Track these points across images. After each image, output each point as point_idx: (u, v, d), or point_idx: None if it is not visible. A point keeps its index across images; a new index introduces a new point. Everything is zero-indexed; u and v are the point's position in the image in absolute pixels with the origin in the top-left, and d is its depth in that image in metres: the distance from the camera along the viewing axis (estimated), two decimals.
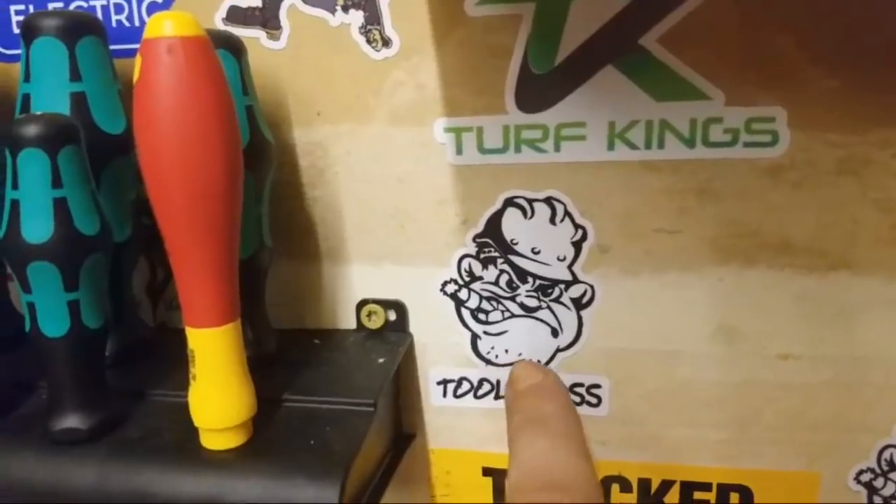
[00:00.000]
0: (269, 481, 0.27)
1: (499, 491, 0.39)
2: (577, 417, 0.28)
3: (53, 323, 0.28)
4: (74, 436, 0.29)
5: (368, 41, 0.34)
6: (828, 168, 0.32)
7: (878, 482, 0.35)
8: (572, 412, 0.28)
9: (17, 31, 0.38)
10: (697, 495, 0.37)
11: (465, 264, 0.36)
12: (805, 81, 0.31)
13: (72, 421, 0.29)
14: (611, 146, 0.33)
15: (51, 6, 0.37)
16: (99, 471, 0.28)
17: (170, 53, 0.25)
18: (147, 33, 0.25)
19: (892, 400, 0.34)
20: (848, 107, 0.31)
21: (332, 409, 0.31)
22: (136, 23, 0.36)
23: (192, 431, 0.29)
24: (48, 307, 0.28)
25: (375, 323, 0.38)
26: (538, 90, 0.33)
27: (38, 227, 0.27)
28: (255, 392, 0.29)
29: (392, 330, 0.38)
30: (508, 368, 0.37)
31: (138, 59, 0.25)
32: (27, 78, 0.32)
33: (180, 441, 0.29)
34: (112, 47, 0.34)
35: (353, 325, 0.38)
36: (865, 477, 0.35)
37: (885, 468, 0.35)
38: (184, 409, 0.29)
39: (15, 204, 0.27)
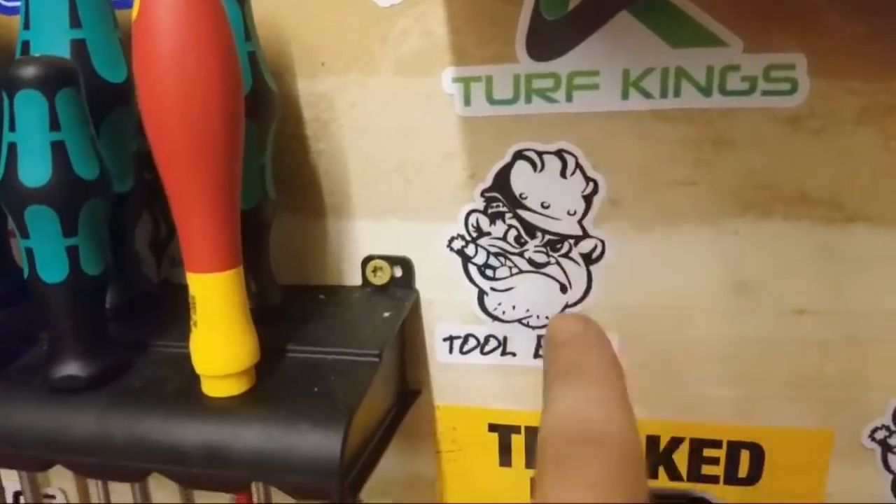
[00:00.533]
0: (271, 428, 0.27)
1: (504, 447, 0.38)
2: (619, 367, 0.25)
3: (52, 269, 0.27)
4: (74, 383, 0.28)
5: None
6: (848, 117, 0.31)
7: (893, 439, 0.34)
8: (614, 362, 0.25)
9: None
10: (707, 452, 0.36)
11: (472, 219, 0.36)
12: (827, 27, 0.30)
13: (71, 368, 0.28)
14: (625, 95, 0.32)
15: None
16: (99, 418, 0.28)
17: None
18: None
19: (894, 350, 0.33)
20: (871, 54, 0.30)
21: (337, 359, 0.31)
22: None
23: (194, 380, 0.28)
24: (46, 252, 0.27)
25: (381, 279, 0.37)
26: (550, 37, 0.32)
27: (35, 171, 0.26)
28: (259, 341, 0.28)
29: (398, 286, 0.37)
30: (515, 325, 0.37)
31: (135, 9, 0.25)
32: (27, 25, 0.31)
33: (182, 389, 0.29)
34: None
35: (358, 281, 0.38)
36: (880, 434, 0.34)
37: None
38: (186, 359, 0.28)
39: (12, 147, 0.26)
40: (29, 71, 0.26)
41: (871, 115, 0.31)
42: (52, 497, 0.47)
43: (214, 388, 0.28)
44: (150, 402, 0.28)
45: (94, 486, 0.43)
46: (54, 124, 0.26)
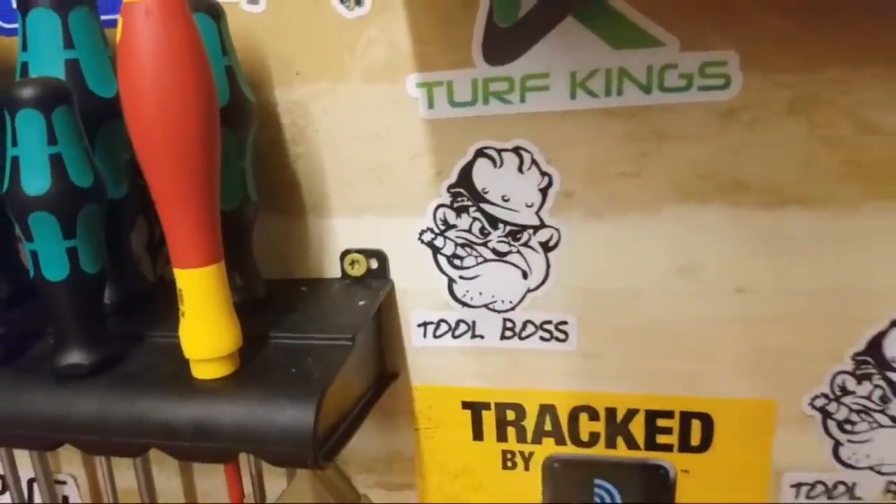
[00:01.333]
0: (253, 404, 0.30)
1: (476, 422, 0.41)
2: None
3: (54, 268, 0.30)
4: (77, 371, 0.32)
5: (342, 1, 0.36)
6: (779, 108, 0.34)
7: (832, 406, 0.37)
8: None
9: (14, 5, 0.40)
10: (661, 423, 0.39)
11: (440, 214, 0.39)
12: (756, 24, 0.33)
13: (75, 357, 0.32)
14: (573, 95, 0.35)
15: None
16: (100, 401, 0.31)
17: (147, 16, 0.27)
18: None
19: (843, 328, 0.36)
20: (797, 48, 0.33)
21: (314, 344, 0.34)
22: None
23: (185, 365, 0.31)
24: (49, 254, 0.30)
25: (358, 271, 0.40)
26: (503, 43, 0.35)
27: (36, 181, 0.29)
28: (242, 329, 0.31)
29: (374, 277, 0.40)
30: (483, 310, 0.40)
31: (120, 22, 0.27)
32: (24, 47, 0.34)
33: (174, 373, 0.32)
34: (102, 17, 0.36)
35: (337, 273, 0.41)
36: (819, 402, 0.37)
37: (838, 393, 0.37)
38: (178, 348, 0.31)
39: (15, 160, 0.30)
40: (27, 92, 0.29)
41: (800, 106, 0.33)
42: (63, 483, 0.50)
43: (202, 370, 0.31)
44: (146, 385, 0.31)
45: (100, 470, 0.47)
46: (52, 139, 0.29)
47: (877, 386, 0.37)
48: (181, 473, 0.48)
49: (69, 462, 0.49)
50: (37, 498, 0.50)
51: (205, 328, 0.30)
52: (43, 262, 0.30)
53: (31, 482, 0.51)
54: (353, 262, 0.40)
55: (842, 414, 0.37)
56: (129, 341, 0.35)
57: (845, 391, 0.37)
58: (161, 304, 0.39)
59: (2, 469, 0.46)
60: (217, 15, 0.34)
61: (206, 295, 0.30)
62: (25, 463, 0.46)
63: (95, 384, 0.32)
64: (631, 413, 0.39)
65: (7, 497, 0.51)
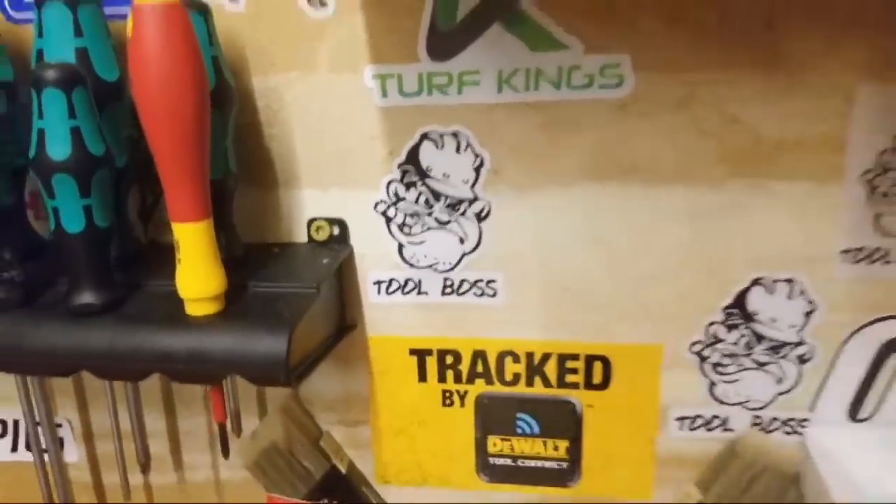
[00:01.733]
0: (237, 335, 0.37)
1: (421, 367, 0.49)
2: None
3: (72, 222, 0.37)
4: (90, 309, 0.38)
5: (309, 2, 0.43)
6: (666, 103, 0.42)
7: (707, 352, 0.46)
8: None
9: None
10: (569, 364, 0.47)
11: (391, 188, 0.46)
12: (646, 32, 0.41)
13: (88, 298, 0.38)
14: (499, 90, 0.43)
15: None
16: (111, 334, 0.38)
17: (153, 15, 0.34)
18: (137, 0, 0.34)
19: (715, 286, 0.44)
20: (678, 53, 0.41)
21: (285, 291, 0.41)
22: None
23: (179, 306, 0.38)
24: (68, 210, 0.37)
25: (322, 236, 0.47)
26: (444, 44, 0.42)
27: (59, 148, 0.36)
28: (226, 278, 0.39)
29: (336, 242, 0.47)
30: (427, 270, 0.47)
31: (130, 20, 0.34)
32: (40, 34, 0.41)
33: (170, 312, 0.39)
34: (106, 10, 0.43)
35: (304, 238, 0.48)
36: (696, 348, 0.46)
37: (712, 340, 0.45)
38: (173, 294, 0.38)
39: (41, 132, 0.36)
40: (52, 74, 0.36)
41: (684, 102, 0.42)
42: (59, 426, 0.56)
43: (194, 308, 0.38)
44: (148, 321, 0.38)
45: (95, 415, 0.53)
46: (72, 114, 0.36)
47: (742, 335, 0.45)
48: (165, 416, 0.54)
49: (63, 407, 0.55)
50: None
51: (197, 272, 0.37)
52: (63, 217, 0.37)
53: (36, 425, 0.57)
54: (318, 229, 0.47)
55: (715, 358, 0.46)
56: (131, 288, 0.41)
57: (717, 339, 0.46)
58: (153, 261, 0.45)
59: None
60: (205, 12, 0.41)
61: (198, 244, 0.37)
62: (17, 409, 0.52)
63: (105, 321, 0.38)
64: (545, 357, 0.47)
65: (8, 440, 0.57)
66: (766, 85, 0.41)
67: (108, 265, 0.39)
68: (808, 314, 0.44)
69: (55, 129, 0.36)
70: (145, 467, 0.53)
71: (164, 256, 0.43)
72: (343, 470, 0.51)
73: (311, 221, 0.47)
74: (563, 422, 0.49)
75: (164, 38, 0.34)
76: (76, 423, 0.56)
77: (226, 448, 0.46)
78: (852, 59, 0.40)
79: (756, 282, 0.44)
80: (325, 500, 0.50)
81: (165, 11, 0.34)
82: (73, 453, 0.56)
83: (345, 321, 0.49)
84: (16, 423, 0.58)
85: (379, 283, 0.48)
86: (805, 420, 0.47)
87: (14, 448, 0.58)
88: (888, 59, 0.39)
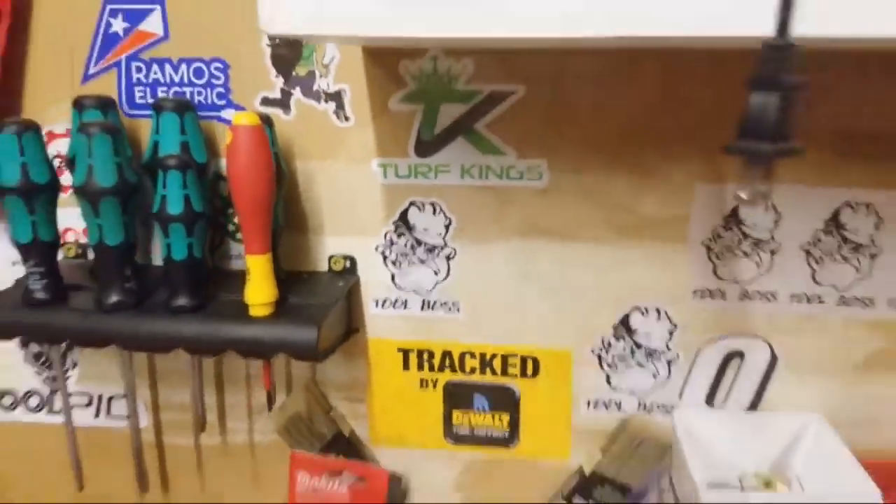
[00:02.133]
0: (283, 328, 0.58)
1: (405, 360, 0.69)
2: None
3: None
4: (184, 309, 0.59)
5: (337, 117, 0.64)
6: (571, 191, 0.63)
7: (603, 355, 0.66)
8: None
9: (139, 100, 0.67)
10: (510, 361, 0.68)
11: (388, 237, 0.67)
12: (556, 147, 0.62)
13: (183, 301, 0.59)
14: (462, 177, 0.64)
15: (160, 91, 0.66)
16: (199, 326, 0.58)
17: (244, 130, 0.55)
18: (234, 121, 0.55)
19: (608, 310, 0.65)
20: (579, 160, 0.62)
21: (313, 303, 0.61)
22: (211, 101, 0.66)
23: (244, 309, 0.59)
24: (178, 246, 0.58)
25: (338, 267, 0.68)
26: (425, 147, 0.64)
27: (175, 208, 0.57)
28: (277, 292, 0.59)
29: (348, 272, 0.68)
30: (411, 293, 0.68)
31: (229, 133, 0.55)
32: (157, 131, 0.62)
33: (238, 313, 0.59)
34: (199, 113, 0.64)
35: (326, 268, 0.68)
36: (596, 351, 0.66)
37: (606, 347, 0.66)
38: (238, 302, 0.59)
39: (164, 198, 0.57)
40: (172, 161, 0.57)
41: (584, 191, 0.63)
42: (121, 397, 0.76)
43: (256, 311, 0.59)
44: (228, 318, 0.59)
45: (162, 391, 0.73)
46: (184, 186, 0.57)
47: (627, 344, 0.66)
48: (216, 393, 0.74)
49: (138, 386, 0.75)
50: (115, 410, 0.76)
51: (260, 288, 0.58)
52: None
53: (109, 399, 0.77)
54: (335, 262, 0.68)
55: (609, 359, 0.66)
56: (209, 298, 0.62)
57: (610, 346, 0.66)
58: (220, 281, 0.66)
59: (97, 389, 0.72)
60: (271, 123, 0.62)
61: (262, 269, 0.58)
62: (112, 381, 0.73)
63: (194, 317, 0.59)
64: (493, 356, 0.68)
65: (92, 408, 0.77)
66: (639, 182, 0.62)
67: (198, 281, 0.60)
68: (671, 332, 0.65)
69: (173, 196, 0.57)
70: (202, 428, 0.72)
71: (226, 278, 0.64)
72: (346, 434, 0.72)
73: (331, 257, 0.68)
74: (505, 402, 0.69)
75: (250, 144, 0.55)
76: (147, 398, 0.76)
77: (270, 405, 0.67)
78: (690, 168, 0.61)
79: (635, 308, 0.65)
80: (333, 454, 0.71)
81: (252, 129, 0.55)
82: (144, 419, 0.76)
83: (352, 326, 0.69)
84: (99, 396, 0.77)
85: (377, 300, 0.69)
86: (674, 405, 0.67)
87: (97, 415, 0.78)
88: (715, 167, 0.61)
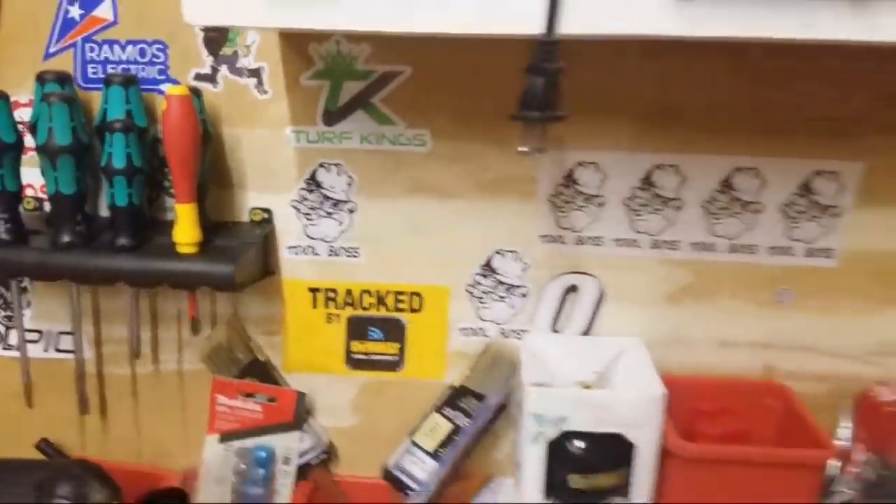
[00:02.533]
0: (206, 263, 0.71)
1: (314, 299, 0.83)
2: None
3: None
4: (126, 248, 0.71)
5: (257, 91, 0.77)
6: (450, 156, 0.78)
7: (473, 290, 0.82)
8: None
9: (92, 75, 0.78)
10: (400, 297, 0.82)
11: (300, 193, 0.80)
12: (437, 120, 0.77)
13: (124, 241, 0.71)
14: (361, 143, 0.78)
15: (109, 67, 0.78)
16: (137, 262, 0.71)
17: (175, 99, 0.68)
18: (168, 92, 0.68)
19: (476, 254, 0.80)
20: (456, 130, 0.77)
21: (235, 245, 0.75)
22: (152, 76, 0.78)
23: (174, 248, 0.72)
24: (121, 194, 0.70)
25: (257, 218, 0.81)
26: (331, 117, 0.78)
27: (119, 162, 0.69)
28: (201, 234, 0.72)
29: (265, 223, 0.81)
30: (319, 241, 0.81)
31: (164, 101, 0.68)
32: (106, 101, 0.74)
33: (170, 252, 0.72)
34: (141, 86, 0.76)
35: (246, 219, 0.81)
36: (468, 288, 0.82)
37: (475, 284, 0.81)
38: (170, 244, 0.72)
39: (109, 155, 0.69)
40: (118, 125, 0.69)
41: (457, 155, 0.78)
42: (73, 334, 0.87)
43: (183, 249, 0.72)
44: (160, 254, 0.71)
45: (104, 328, 0.84)
46: (127, 146, 0.70)
47: (491, 281, 0.82)
48: (151, 329, 0.86)
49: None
50: (63, 344, 0.87)
51: (186, 229, 0.71)
52: (117, 198, 0.70)
53: (58, 335, 0.87)
54: (255, 214, 0.81)
55: (477, 294, 0.82)
56: (146, 239, 0.74)
57: (478, 283, 0.82)
58: (155, 227, 0.78)
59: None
60: (200, 95, 0.75)
61: (188, 215, 0.71)
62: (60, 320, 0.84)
63: (133, 255, 0.71)
64: (386, 293, 0.83)
65: (41, 343, 0.88)
66: (499, 149, 0.77)
67: (137, 225, 0.73)
68: (524, 270, 0.81)
69: (118, 153, 0.70)
70: (136, 356, 0.84)
71: (161, 226, 0.77)
72: (262, 360, 0.85)
73: (251, 210, 0.81)
74: (396, 332, 0.84)
75: (181, 111, 0.68)
76: (90, 333, 0.87)
77: (196, 331, 0.80)
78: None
79: (496, 252, 0.81)
80: (249, 379, 0.84)
81: (182, 98, 0.68)
82: (88, 352, 0.87)
83: (269, 269, 0.83)
84: (49, 332, 0.88)
85: (290, 247, 0.82)
86: (527, 331, 0.83)
87: (46, 349, 0.88)
88: (557, 137, 0.77)
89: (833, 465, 0.72)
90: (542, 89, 0.49)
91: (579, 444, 0.70)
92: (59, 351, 0.87)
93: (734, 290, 0.79)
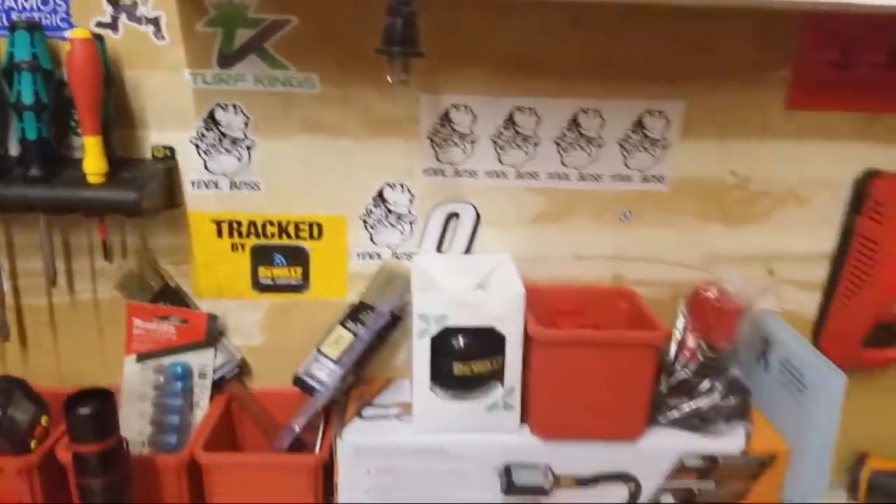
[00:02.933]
0: (113, 192, 0.78)
1: (218, 231, 0.91)
2: None
3: (31, 130, 0.77)
4: (38, 179, 0.77)
5: (156, 37, 0.84)
6: (338, 98, 0.87)
7: (367, 219, 0.92)
8: None
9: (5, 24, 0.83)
10: (301, 227, 0.91)
11: (199, 131, 0.88)
12: (326, 64, 0.85)
13: (36, 172, 0.77)
14: (255, 84, 0.86)
15: (14, 15, 0.82)
16: (50, 191, 0.77)
17: (80, 43, 0.74)
18: (72, 35, 0.74)
19: (370, 186, 0.90)
20: (345, 73, 0.86)
21: (139, 177, 0.82)
22: (56, 24, 0.83)
23: (84, 179, 0.78)
24: (31, 129, 0.76)
25: (160, 154, 0.88)
26: (226, 60, 0.85)
27: (28, 98, 0.75)
28: (107, 166, 0.79)
29: (168, 159, 0.88)
30: (220, 175, 0.89)
31: (69, 45, 0.74)
32: (12, 45, 0.79)
33: (80, 182, 0.79)
34: (46, 33, 0.81)
35: (149, 155, 0.88)
36: (362, 216, 0.92)
37: (369, 213, 0.91)
38: (81, 176, 0.78)
39: (19, 92, 0.75)
40: (24, 65, 0.75)
41: (344, 98, 0.87)
42: None
43: (92, 178, 0.79)
44: (70, 184, 0.78)
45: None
46: (35, 85, 0.75)
47: (383, 210, 0.92)
48: (65, 259, 0.92)
49: None
50: None
51: (94, 161, 0.78)
52: (27, 132, 0.76)
53: None
54: (157, 151, 0.88)
55: (371, 222, 0.92)
56: (57, 172, 0.80)
57: (371, 213, 0.92)
58: (65, 161, 0.84)
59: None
60: (102, 40, 0.81)
61: (95, 147, 0.78)
62: None
63: (45, 185, 0.78)
64: (288, 223, 0.92)
65: None
66: (383, 92, 0.87)
67: (47, 158, 0.79)
68: (411, 200, 0.92)
69: (26, 91, 0.75)
70: (53, 284, 0.91)
71: (70, 162, 0.83)
72: (173, 287, 0.93)
73: (153, 147, 0.88)
74: (299, 258, 0.93)
75: (84, 53, 0.74)
76: (6, 266, 0.92)
77: (108, 255, 0.87)
78: (417, 81, 0.86)
79: (386, 184, 0.91)
80: (162, 304, 0.92)
81: (85, 42, 0.74)
82: (6, 285, 0.93)
83: (175, 201, 0.90)
84: None
85: (193, 182, 0.90)
86: (416, 252, 0.94)
87: None
88: (432, 82, 0.87)
89: (671, 349, 0.87)
90: (401, 28, 0.59)
91: (459, 337, 0.82)
92: None
93: (585, 212, 0.93)
